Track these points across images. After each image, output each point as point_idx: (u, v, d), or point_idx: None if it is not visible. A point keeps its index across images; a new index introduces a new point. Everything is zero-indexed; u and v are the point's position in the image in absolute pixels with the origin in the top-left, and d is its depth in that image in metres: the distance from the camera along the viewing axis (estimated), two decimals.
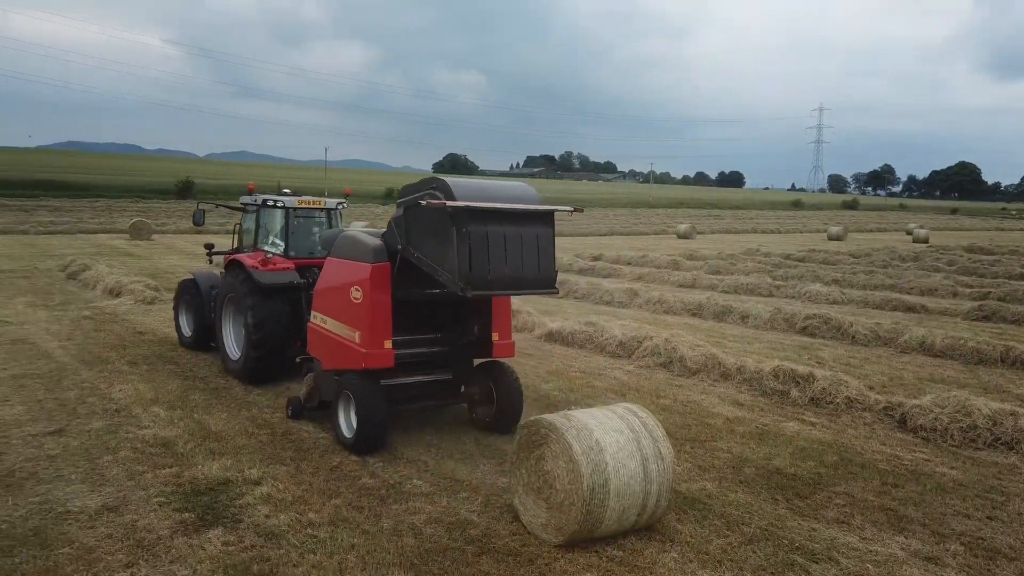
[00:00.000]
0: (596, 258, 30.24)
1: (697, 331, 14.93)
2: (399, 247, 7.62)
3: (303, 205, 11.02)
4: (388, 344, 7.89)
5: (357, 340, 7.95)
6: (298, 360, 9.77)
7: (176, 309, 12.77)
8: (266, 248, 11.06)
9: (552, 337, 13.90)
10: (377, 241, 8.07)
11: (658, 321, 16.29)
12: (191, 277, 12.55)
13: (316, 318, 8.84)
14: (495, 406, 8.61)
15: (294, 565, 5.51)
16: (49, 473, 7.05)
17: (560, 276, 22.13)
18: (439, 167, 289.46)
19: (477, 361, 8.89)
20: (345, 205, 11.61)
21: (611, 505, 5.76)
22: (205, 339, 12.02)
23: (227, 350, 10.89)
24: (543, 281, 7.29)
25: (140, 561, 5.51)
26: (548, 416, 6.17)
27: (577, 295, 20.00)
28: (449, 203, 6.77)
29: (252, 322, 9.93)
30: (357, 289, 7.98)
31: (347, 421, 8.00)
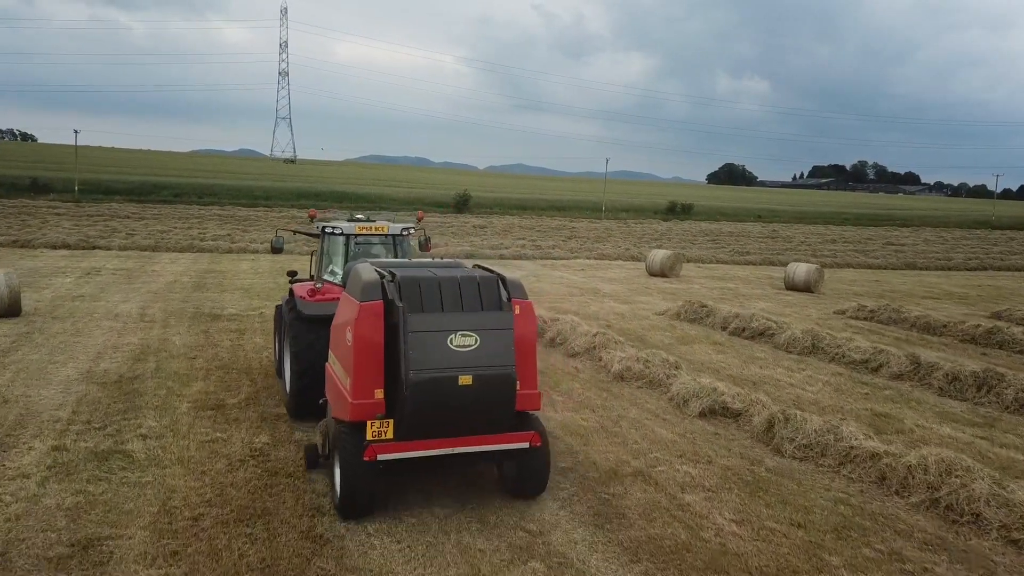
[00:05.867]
0: (999, 315, 22.11)
1: None
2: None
3: (362, 231, 10.66)
4: (379, 394, 7.12)
5: (348, 387, 7.23)
6: (320, 402, 8.86)
7: (273, 336, 12.52)
8: (326, 277, 10.70)
9: None
10: (372, 275, 7.31)
11: None
12: (280, 303, 11.56)
13: (329, 357, 8.31)
14: (519, 465, 7.61)
15: None
16: None
17: (944, 362, 12.90)
18: (714, 178, 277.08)
19: None
20: (412, 231, 10.97)
21: None
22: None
23: (285, 382, 10.61)
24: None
25: None
26: None
27: (1012, 407, 12.20)
28: None
29: (294, 352, 9.72)
30: (349, 330, 7.23)
31: (335, 479, 7.22)
